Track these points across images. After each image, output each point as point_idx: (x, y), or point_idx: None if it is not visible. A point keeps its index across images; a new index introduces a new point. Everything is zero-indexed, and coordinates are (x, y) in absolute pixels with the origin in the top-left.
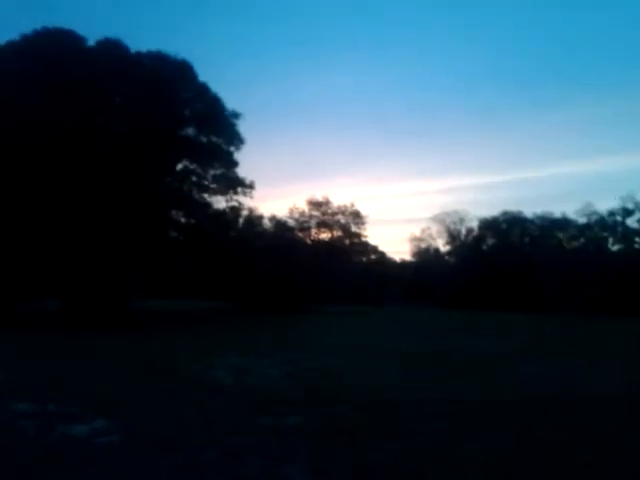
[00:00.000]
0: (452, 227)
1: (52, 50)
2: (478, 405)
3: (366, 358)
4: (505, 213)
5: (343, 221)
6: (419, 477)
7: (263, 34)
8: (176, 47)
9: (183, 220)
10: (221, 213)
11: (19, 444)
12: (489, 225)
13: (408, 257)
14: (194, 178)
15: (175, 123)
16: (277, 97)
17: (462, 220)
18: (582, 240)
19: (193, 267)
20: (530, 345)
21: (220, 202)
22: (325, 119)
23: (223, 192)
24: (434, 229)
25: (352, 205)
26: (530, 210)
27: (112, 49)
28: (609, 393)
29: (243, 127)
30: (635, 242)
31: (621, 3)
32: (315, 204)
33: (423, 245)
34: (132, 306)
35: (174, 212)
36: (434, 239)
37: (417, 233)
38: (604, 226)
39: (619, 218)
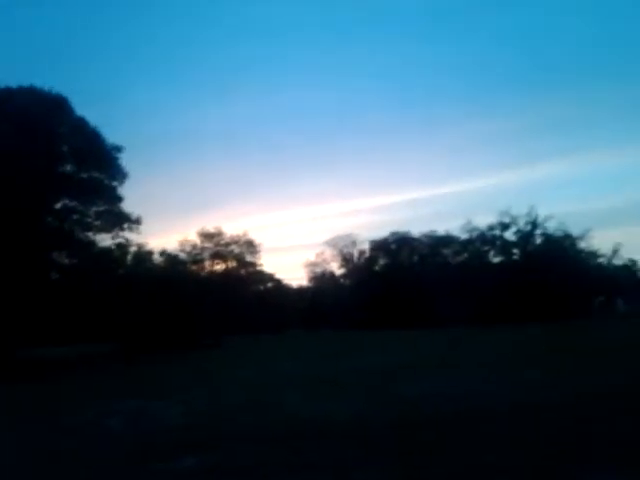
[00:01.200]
0: (345, 250)
1: None
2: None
3: (264, 388)
4: (394, 233)
5: (237, 251)
6: None
7: (150, 66)
8: (51, 81)
9: (66, 261)
10: (106, 251)
11: None
12: (380, 246)
13: (305, 282)
14: (75, 216)
15: (52, 160)
16: (163, 129)
17: (354, 243)
18: (465, 255)
19: (78, 310)
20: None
21: (106, 240)
22: (214, 149)
23: (108, 229)
24: (328, 253)
25: (245, 234)
26: (419, 230)
27: None
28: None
29: (127, 161)
30: (513, 253)
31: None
32: (207, 236)
33: (318, 270)
34: (15, 355)
35: (55, 253)
36: (328, 263)
37: (312, 258)
38: (484, 240)
39: (497, 232)
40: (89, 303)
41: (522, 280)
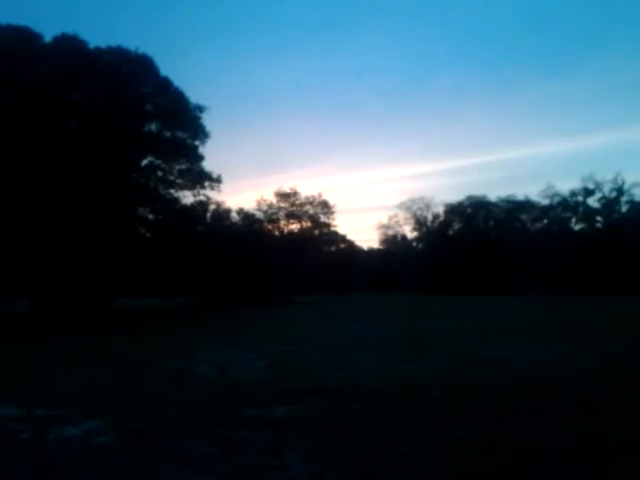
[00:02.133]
0: (418, 214)
1: (7, 48)
2: (461, 387)
3: (342, 346)
4: (470, 197)
5: (311, 212)
6: (418, 460)
7: (225, 25)
8: (137, 40)
9: (151, 217)
10: (189, 208)
11: (11, 448)
12: (454, 210)
13: (376, 245)
14: (160, 174)
15: (137, 118)
16: (241, 89)
17: (428, 206)
18: (545, 221)
19: (163, 264)
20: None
21: (187, 197)
22: (290, 110)
23: (190, 187)
24: (401, 216)
25: (320, 195)
26: (494, 194)
27: (69, 45)
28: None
29: (208, 120)
30: (597, 221)
31: None
32: (283, 195)
33: (390, 232)
34: (106, 305)
35: (141, 209)
36: (401, 226)
37: (384, 221)
38: (566, 207)
39: (580, 198)
40: (172, 257)
41: (605, 249)
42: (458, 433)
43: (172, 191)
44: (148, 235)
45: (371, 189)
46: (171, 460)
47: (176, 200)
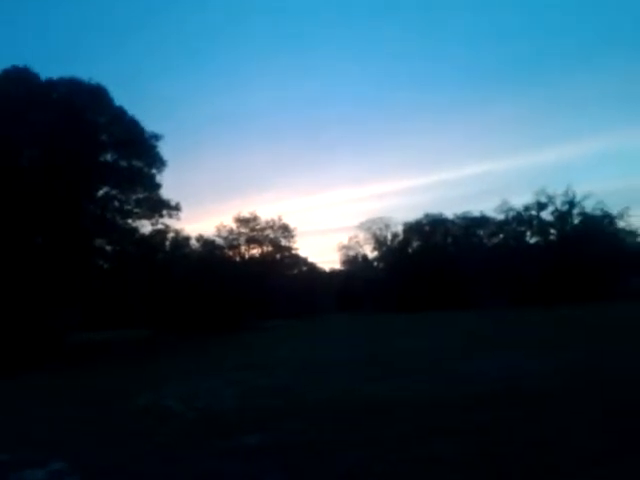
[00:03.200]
0: (378, 233)
1: None
2: (428, 404)
3: (310, 370)
4: (427, 216)
5: (272, 236)
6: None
7: (180, 53)
8: (90, 71)
9: (108, 247)
10: (147, 237)
11: None
12: (413, 229)
13: (338, 266)
14: (116, 204)
15: (93, 149)
16: (198, 115)
17: (387, 226)
18: (501, 236)
19: (121, 295)
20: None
21: (146, 226)
22: (247, 135)
23: (148, 216)
24: (361, 237)
25: (280, 219)
26: (451, 211)
27: (20, 78)
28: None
29: (164, 149)
30: (551, 234)
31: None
32: (243, 221)
33: (351, 253)
34: (67, 340)
35: (98, 240)
36: (362, 246)
37: (345, 242)
38: (521, 221)
39: (534, 212)
40: (131, 288)
41: (559, 261)
42: (429, 451)
43: (129, 221)
44: (106, 266)
45: (331, 211)
46: None
47: (134, 230)
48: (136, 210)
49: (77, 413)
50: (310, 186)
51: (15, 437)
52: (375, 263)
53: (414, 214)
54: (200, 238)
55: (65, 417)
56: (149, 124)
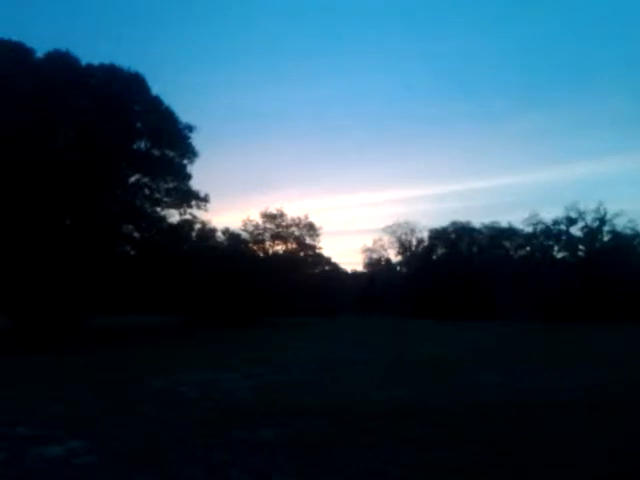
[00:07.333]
0: (403, 238)
1: None
2: (447, 411)
3: (328, 368)
4: (454, 223)
5: (297, 233)
6: None
7: (217, 45)
8: (129, 59)
9: (136, 234)
10: (174, 227)
11: None
12: (439, 235)
13: (360, 268)
14: (147, 192)
15: (127, 136)
16: (231, 110)
17: (413, 231)
18: (528, 249)
19: (147, 282)
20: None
21: (174, 215)
22: (279, 132)
23: (176, 205)
24: (386, 240)
25: (306, 217)
26: (478, 220)
27: (61, 61)
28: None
29: (197, 139)
30: (579, 250)
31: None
32: (269, 216)
33: (375, 256)
34: (87, 323)
35: (126, 226)
36: (385, 250)
37: (369, 244)
38: (549, 235)
39: (563, 227)
40: (156, 275)
41: (587, 278)
42: (443, 458)
43: (158, 209)
44: (133, 253)
45: (356, 212)
46: None
47: (162, 218)
48: (165, 199)
49: (96, 395)
50: (337, 186)
51: (34, 415)
52: (398, 267)
53: (440, 221)
54: (226, 231)
55: (84, 398)
56: (183, 115)
